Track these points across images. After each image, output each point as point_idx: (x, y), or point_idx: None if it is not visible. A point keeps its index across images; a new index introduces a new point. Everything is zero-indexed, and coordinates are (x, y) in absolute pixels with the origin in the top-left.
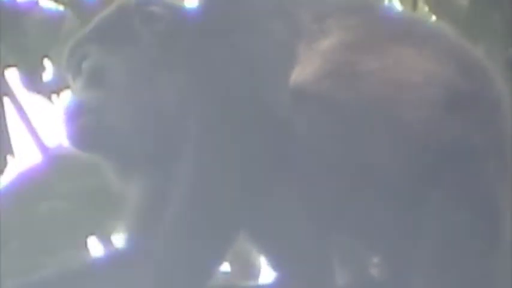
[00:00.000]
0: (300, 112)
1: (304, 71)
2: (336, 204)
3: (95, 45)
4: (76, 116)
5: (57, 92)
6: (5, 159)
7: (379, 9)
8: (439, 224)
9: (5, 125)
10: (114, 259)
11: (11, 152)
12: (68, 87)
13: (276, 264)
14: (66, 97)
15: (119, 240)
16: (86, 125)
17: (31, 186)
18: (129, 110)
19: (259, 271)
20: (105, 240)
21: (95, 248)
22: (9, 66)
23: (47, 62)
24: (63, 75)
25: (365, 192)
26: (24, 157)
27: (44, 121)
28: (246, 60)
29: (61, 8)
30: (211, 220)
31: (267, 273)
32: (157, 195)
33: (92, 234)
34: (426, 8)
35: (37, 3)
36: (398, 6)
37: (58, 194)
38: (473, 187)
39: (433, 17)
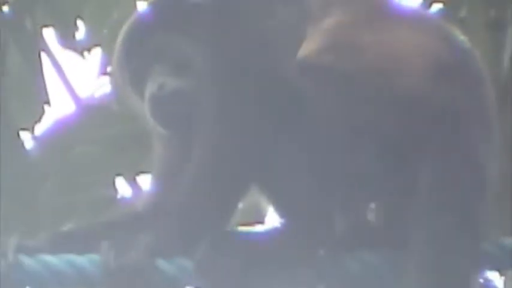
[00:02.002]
0: (306, 81)
1: (308, 46)
2: (338, 158)
3: (174, 36)
4: (171, 102)
5: (89, 49)
6: (42, 108)
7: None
8: (430, 176)
9: (43, 78)
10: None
11: (48, 102)
12: (97, 44)
13: (282, 212)
14: (96, 54)
15: (143, 180)
16: (179, 111)
17: (66, 132)
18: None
19: (265, 216)
20: (131, 180)
21: (122, 186)
22: (46, 26)
23: (79, 22)
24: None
25: (364, 148)
26: (60, 106)
27: (77, 74)
28: (258, 36)
29: None
30: (228, 173)
31: (273, 218)
32: (182, 152)
33: (119, 174)
34: None
35: None
36: None
37: (90, 139)
38: (460, 146)
39: None
